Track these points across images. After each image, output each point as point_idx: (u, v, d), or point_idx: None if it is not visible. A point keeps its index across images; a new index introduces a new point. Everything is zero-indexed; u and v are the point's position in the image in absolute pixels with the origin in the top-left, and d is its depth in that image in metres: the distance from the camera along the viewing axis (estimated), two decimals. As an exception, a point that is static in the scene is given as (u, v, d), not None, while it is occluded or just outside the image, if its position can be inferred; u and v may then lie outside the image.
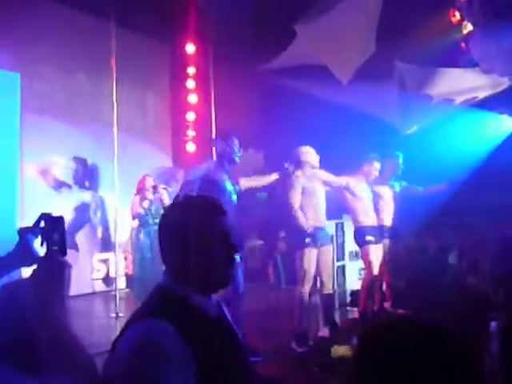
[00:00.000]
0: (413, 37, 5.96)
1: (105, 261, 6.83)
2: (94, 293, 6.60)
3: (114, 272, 6.51)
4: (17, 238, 1.16)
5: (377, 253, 5.12)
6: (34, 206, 5.35)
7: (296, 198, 4.35)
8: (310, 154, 4.57)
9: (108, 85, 5.71)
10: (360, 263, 6.93)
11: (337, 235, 6.97)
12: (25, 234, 1.12)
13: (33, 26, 5.55)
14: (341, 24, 5.54)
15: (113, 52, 5.51)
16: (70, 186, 6.53)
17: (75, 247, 6.49)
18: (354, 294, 5.98)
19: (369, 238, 5.09)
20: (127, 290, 6.63)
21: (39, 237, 1.10)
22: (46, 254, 1.08)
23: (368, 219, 5.12)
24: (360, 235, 5.19)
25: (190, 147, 7.77)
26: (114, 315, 5.27)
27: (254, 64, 6.53)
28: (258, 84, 6.90)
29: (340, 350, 3.65)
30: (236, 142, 4.17)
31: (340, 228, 7.07)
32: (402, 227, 5.56)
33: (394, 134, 6.47)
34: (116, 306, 5.32)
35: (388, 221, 5.36)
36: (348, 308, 5.81)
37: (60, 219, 1.15)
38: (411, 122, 6.50)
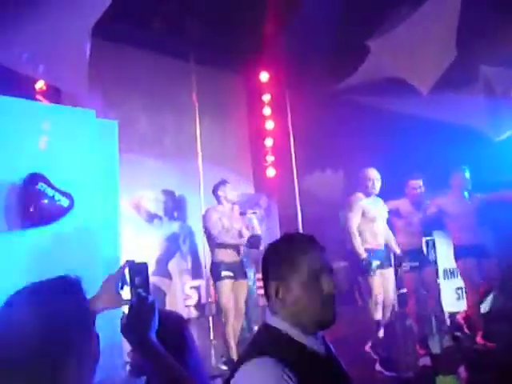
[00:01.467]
0: (496, 38, 5.64)
1: (196, 287, 7.06)
2: (188, 319, 6.83)
3: (205, 298, 6.74)
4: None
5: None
6: (131, 238, 5.73)
7: (354, 221, 4.32)
8: (370, 176, 4.66)
9: (190, 120, 6.03)
10: (456, 282, 6.52)
11: (428, 253, 6.61)
12: (111, 280, 1.22)
13: (123, 74, 6.11)
14: (416, 35, 5.41)
15: (193, 89, 5.84)
16: (160, 218, 6.91)
17: (168, 275, 6.81)
18: (451, 316, 5.58)
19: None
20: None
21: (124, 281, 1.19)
22: (132, 296, 1.15)
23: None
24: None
25: (270, 172, 7.89)
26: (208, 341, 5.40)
27: (328, 85, 6.55)
28: (333, 104, 6.88)
29: (446, 382, 3.39)
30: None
31: (431, 245, 6.71)
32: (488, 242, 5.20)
33: (485, 142, 6.09)
34: (210, 331, 5.46)
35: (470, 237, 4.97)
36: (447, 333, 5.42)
37: (143, 265, 1.22)
38: (503, 128, 6.08)
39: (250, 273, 5.89)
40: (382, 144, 6.69)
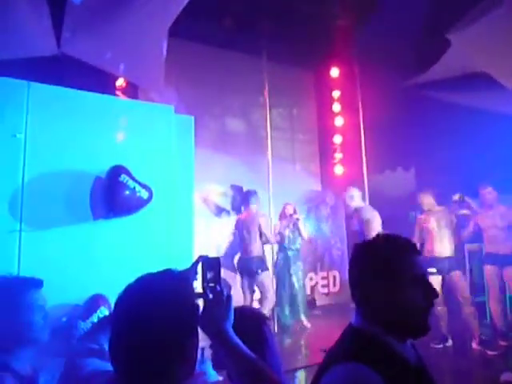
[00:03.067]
0: None
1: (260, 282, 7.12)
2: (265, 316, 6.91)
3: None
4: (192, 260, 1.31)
5: None
6: (200, 230, 5.90)
7: (416, 239, 4.96)
8: (426, 199, 5.23)
9: (261, 115, 6.07)
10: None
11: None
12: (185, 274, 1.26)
13: (197, 71, 6.29)
14: (500, 27, 5.06)
15: (265, 85, 5.87)
16: (228, 212, 7.05)
17: (234, 269, 6.93)
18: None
19: None
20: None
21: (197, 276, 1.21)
22: (205, 291, 1.17)
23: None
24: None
25: (338, 170, 7.76)
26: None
27: (402, 80, 6.31)
28: (406, 101, 6.62)
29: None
30: None
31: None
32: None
33: None
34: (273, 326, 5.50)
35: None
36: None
37: (216, 260, 1.23)
38: None
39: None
40: (458, 143, 6.34)
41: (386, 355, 1.12)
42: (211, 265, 1.21)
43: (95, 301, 2.96)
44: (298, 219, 6.03)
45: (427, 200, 5.19)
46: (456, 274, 4.85)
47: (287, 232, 5.99)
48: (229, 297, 1.18)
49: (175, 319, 1.01)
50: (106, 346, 1.08)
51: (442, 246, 4.94)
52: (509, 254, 4.76)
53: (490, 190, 5.10)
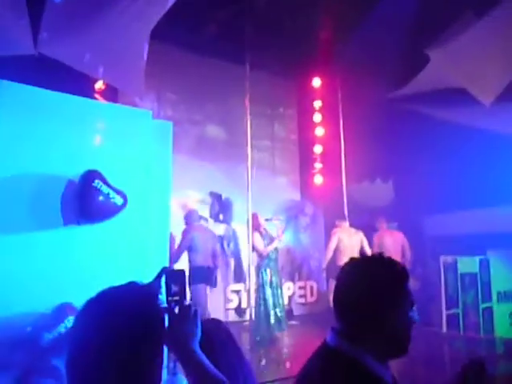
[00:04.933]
0: None
1: (237, 292, 7.06)
2: (226, 323, 6.81)
3: (246, 303, 6.73)
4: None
5: None
6: (178, 238, 5.80)
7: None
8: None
9: (241, 123, 6.02)
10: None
11: (481, 273, 6.29)
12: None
13: (177, 76, 6.22)
14: (480, 44, 5.17)
15: (247, 93, 5.85)
16: (206, 220, 6.97)
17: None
18: (507, 343, 5.25)
19: None
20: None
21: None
22: (169, 305, 1.10)
23: None
24: None
25: (318, 179, 7.78)
26: (248, 347, 5.36)
27: (383, 93, 6.38)
28: (387, 113, 6.70)
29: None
30: None
31: (484, 265, 6.37)
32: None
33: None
34: (251, 337, 5.43)
35: None
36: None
37: (181, 273, 1.16)
38: None
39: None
40: (436, 155, 6.43)
41: (364, 377, 1.09)
42: (176, 277, 1.14)
43: (63, 310, 2.84)
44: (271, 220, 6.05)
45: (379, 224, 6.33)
46: None
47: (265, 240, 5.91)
48: (196, 311, 1.11)
49: (140, 336, 0.95)
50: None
51: None
52: None
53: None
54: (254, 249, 5.83)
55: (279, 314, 5.68)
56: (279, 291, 5.80)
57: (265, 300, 5.65)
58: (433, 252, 6.60)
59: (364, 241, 6.09)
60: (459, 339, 5.32)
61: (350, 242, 6.01)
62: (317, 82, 7.76)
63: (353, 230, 6.18)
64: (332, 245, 6.03)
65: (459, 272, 6.11)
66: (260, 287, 5.69)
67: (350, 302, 1.18)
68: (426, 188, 6.71)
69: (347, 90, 7.17)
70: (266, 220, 6.02)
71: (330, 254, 6.08)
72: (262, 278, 5.70)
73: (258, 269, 5.76)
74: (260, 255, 5.75)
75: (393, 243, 6.13)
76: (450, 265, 6.13)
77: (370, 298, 1.15)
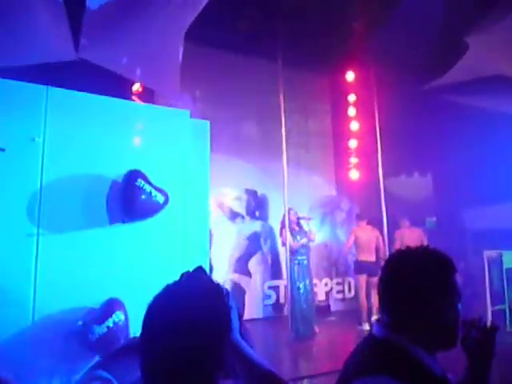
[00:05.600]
0: None
1: (275, 288, 7.09)
2: (266, 318, 6.87)
3: (284, 299, 6.78)
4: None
5: None
6: (216, 235, 5.89)
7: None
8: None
9: (276, 120, 6.03)
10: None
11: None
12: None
13: (212, 76, 6.33)
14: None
15: (281, 89, 5.85)
16: (243, 217, 7.03)
17: (248, 274, 6.91)
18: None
19: None
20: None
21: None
22: None
23: None
24: None
25: (354, 175, 7.70)
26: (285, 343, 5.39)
27: (419, 84, 6.23)
28: (423, 105, 6.55)
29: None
30: None
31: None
32: None
33: None
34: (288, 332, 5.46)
35: None
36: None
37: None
38: None
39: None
40: (475, 147, 6.24)
41: (415, 367, 1.10)
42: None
43: (110, 305, 2.96)
44: (307, 219, 6.08)
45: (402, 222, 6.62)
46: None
47: (296, 236, 5.91)
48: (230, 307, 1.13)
49: (216, 326, 0.96)
50: (115, 380, 1.05)
51: None
52: None
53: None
54: (283, 244, 5.90)
55: (306, 310, 5.69)
56: (308, 287, 5.80)
57: (298, 295, 5.68)
58: (475, 246, 6.41)
59: (379, 237, 6.41)
60: (506, 335, 5.15)
61: (367, 239, 6.33)
62: (350, 76, 7.66)
63: (369, 228, 6.46)
64: (349, 242, 6.53)
65: (504, 267, 5.91)
66: (292, 283, 5.72)
67: (399, 293, 1.18)
68: (465, 181, 6.52)
69: (381, 83, 7.04)
70: (299, 218, 6.01)
71: (346, 250, 6.79)
72: (292, 273, 5.73)
73: (290, 264, 5.78)
74: (290, 250, 5.77)
75: (413, 239, 6.10)
76: (495, 259, 5.94)
77: (419, 289, 1.15)
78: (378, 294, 1.24)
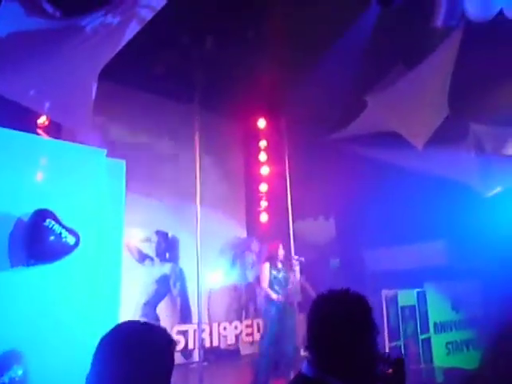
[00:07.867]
0: (486, 98, 5.93)
1: (183, 332, 6.86)
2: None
3: (193, 344, 6.56)
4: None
5: None
6: (123, 278, 5.60)
7: None
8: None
9: (190, 162, 6.05)
10: (447, 336, 6.49)
11: (419, 305, 6.59)
12: None
13: (126, 115, 6.22)
14: (412, 91, 5.65)
15: (196, 131, 5.92)
16: (152, 259, 6.81)
17: (156, 318, 6.62)
18: (446, 372, 5.51)
19: None
20: (205, 363, 6.52)
21: None
22: None
23: None
24: None
25: (263, 217, 7.92)
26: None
27: (324, 135, 6.72)
28: (328, 153, 7.04)
29: None
30: None
31: (422, 297, 6.70)
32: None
33: (474, 197, 6.26)
34: (200, 380, 5.27)
35: None
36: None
37: None
38: (493, 184, 6.29)
39: None
40: (374, 194, 6.80)
41: None
42: None
43: (7, 358, 2.66)
44: (299, 260, 5.79)
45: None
46: None
47: (280, 275, 5.57)
48: None
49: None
50: None
51: None
52: None
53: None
54: (258, 281, 5.62)
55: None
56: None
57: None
58: (374, 286, 6.85)
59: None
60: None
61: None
62: (262, 123, 8.04)
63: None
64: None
65: (399, 305, 6.37)
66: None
67: (322, 332, 1.27)
68: (365, 225, 7.04)
69: (292, 131, 7.47)
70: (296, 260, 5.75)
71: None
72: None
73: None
74: (266, 296, 5.40)
75: None
76: (391, 298, 6.38)
77: (340, 328, 1.24)
78: (307, 334, 1.30)
